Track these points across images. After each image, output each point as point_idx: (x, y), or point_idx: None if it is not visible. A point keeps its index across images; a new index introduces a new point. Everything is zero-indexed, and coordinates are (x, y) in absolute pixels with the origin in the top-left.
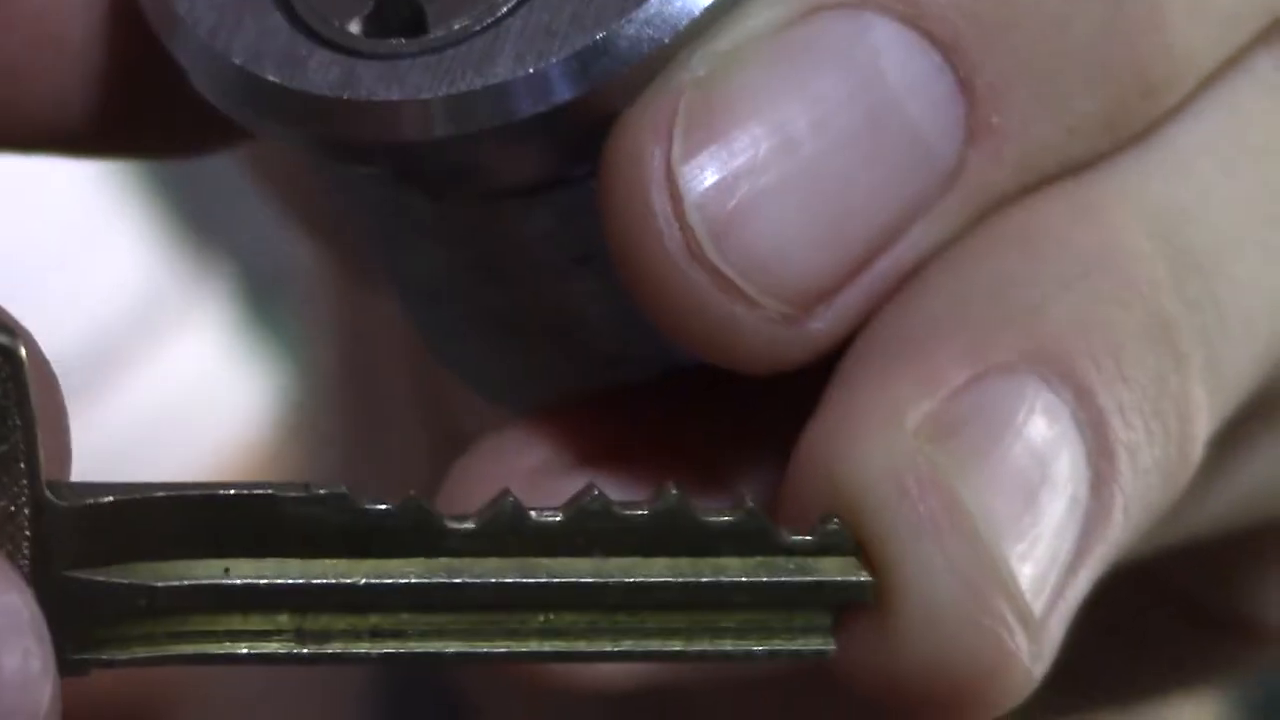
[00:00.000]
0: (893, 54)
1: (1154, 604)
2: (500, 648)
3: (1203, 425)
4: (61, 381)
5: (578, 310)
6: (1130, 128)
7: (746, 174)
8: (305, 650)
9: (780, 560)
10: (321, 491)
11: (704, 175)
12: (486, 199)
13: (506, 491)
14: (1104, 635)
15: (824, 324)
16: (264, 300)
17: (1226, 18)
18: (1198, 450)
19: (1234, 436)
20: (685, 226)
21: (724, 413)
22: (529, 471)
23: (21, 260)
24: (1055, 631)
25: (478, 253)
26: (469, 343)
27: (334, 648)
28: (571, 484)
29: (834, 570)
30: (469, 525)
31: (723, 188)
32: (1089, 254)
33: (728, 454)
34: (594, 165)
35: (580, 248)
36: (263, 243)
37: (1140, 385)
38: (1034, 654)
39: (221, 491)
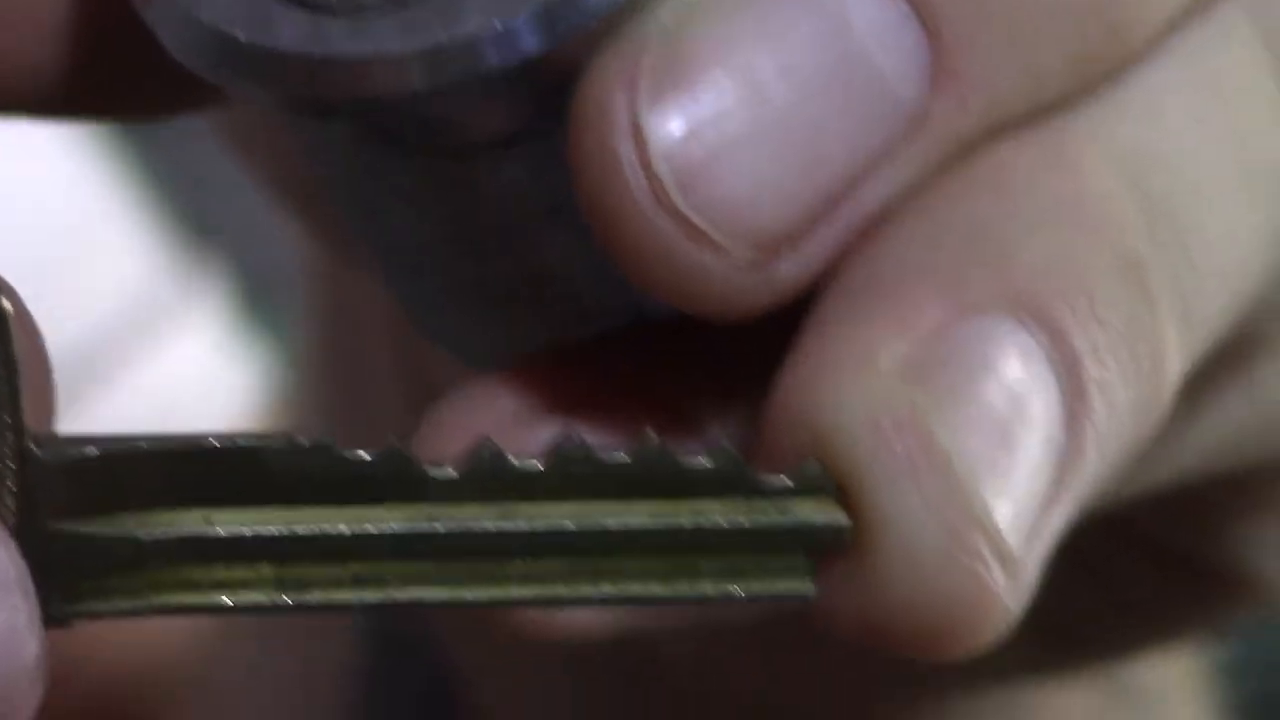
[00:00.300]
0: (859, 2)
1: (1130, 554)
2: (481, 594)
3: (1174, 366)
4: (57, 381)
5: (551, 264)
6: (1098, 72)
7: (713, 122)
8: (287, 599)
9: (759, 503)
10: (303, 441)
11: (670, 124)
12: (457, 154)
13: (487, 439)
14: (1082, 587)
15: (791, 269)
16: (261, 298)
17: None
18: (1170, 390)
19: (1203, 384)
20: (652, 175)
21: (697, 361)
22: (500, 421)
23: (16, 259)
24: (1032, 568)
25: (450, 210)
26: (446, 305)
27: (315, 596)
28: (543, 433)
29: (812, 512)
30: (450, 472)
31: (689, 136)
32: (1059, 197)
33: (701, 401)
34: (563, 117)
35: (552, 200)
36: (260, 239)
37: (1113, 325)
38: (1012, 590)
39: (204, 443)
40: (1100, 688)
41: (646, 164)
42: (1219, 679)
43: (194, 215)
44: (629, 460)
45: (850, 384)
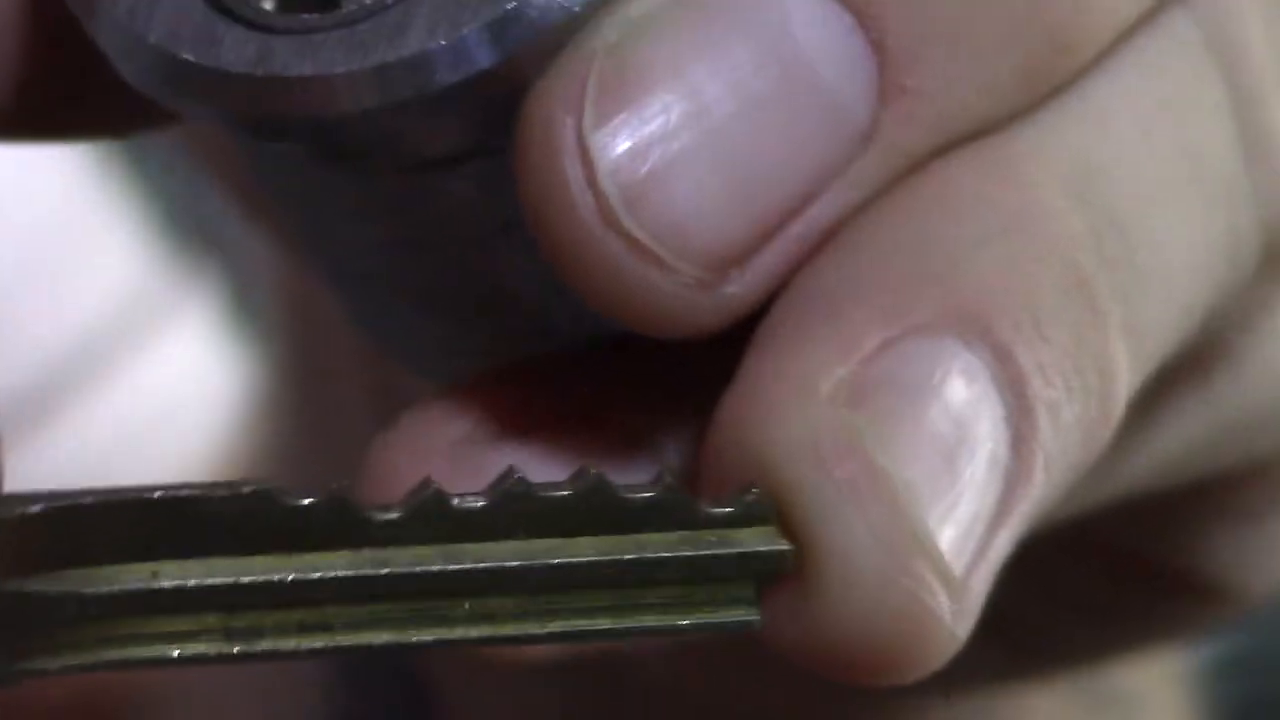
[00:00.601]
0: (803, 16)
1: (1082, 562)
2: (428, 635)
3: (1123, 382)
4: (48, 385)
5: (502, 281)
6: (1046, 84)
7: (659, 140)
8: (235, 649)
9: (702, 533)
10: (244, 489)
11: (616, 142)
12: (406, 171)
13: (428, 480)
14: (1035, 596)
15: (740, 288)
16: (251, 301)
17: None
18: (1119, 407)
19: (1160, 393)
20: (599, 193)
21: (650, 380)
22: (452, 445)
23: (5, 263)
24: (978, 591)
25: (401, 226)
26: (398, 320)
27: (263, 645)
28: (496, 457)
29: (755, 540)
30: (392, 515)
31: (635, 154)
32: (1006, 212)
33: (654, 421)
34: (511, 134)
35: (504, 217)
36: (250, 244)
37: (1059, 343)
38: (957, 614)
39: (147, 495)
40: (1077, 694)
41: (593, 182)
42: (1203, 681)
43: (184, 219)
44: (570, 495)
45: (790, 409)
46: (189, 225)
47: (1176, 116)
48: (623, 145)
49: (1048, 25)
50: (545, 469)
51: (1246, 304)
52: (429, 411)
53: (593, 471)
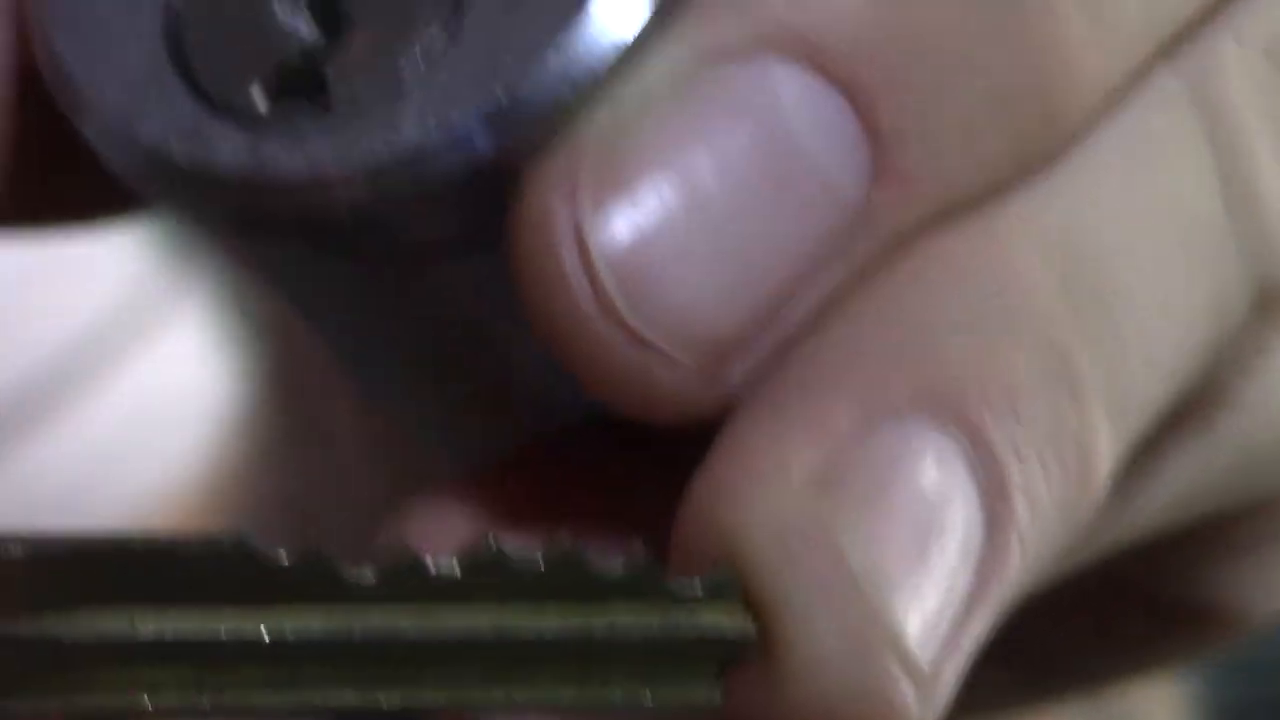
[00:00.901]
0: (794, 99)
1: (1106, 594)
2: (395, 698)
3: (1105, 457)
4: (39, 390)
5: (503, 363)
6: (1036, 155)
7: (655, 228)
8: (204, 701)
9: (670, 610)
10: (220, 542)
11: (612, 231)
12: (402, 262)
13: (403, 543)
14: (1059, 622)
15: (740, 372)
16: (244, 306)
17: (1128, 35)
18: (1100, 483)
19: (1163, 438)
20: (598, 286)
21: (652, 459)
22: (462, 535)
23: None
24: (946, 679)
25: (398, 314)
26: (399, 397)
27: (231, 697)
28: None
29: (721, 621)
30: (367, 575)
31: (632, 243)
32: (985, 289)
33: (657, 499)
34: (506, 222)
35: (500, 303)
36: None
37: (1035, 422)
38: (922, 703)
39: (127, 544)
40: (1082, 713)
41: (591, 273)
42: (1203, 682)
43: (178, 224)
44: (541, 565)
45: (759, 495)
46: (182, 230)
47: (1161, 179)
48: (619, 234)
49: (1039, 98)
50: None
51: (1242, 349)
52: (435, 503)
53: (566, 542)
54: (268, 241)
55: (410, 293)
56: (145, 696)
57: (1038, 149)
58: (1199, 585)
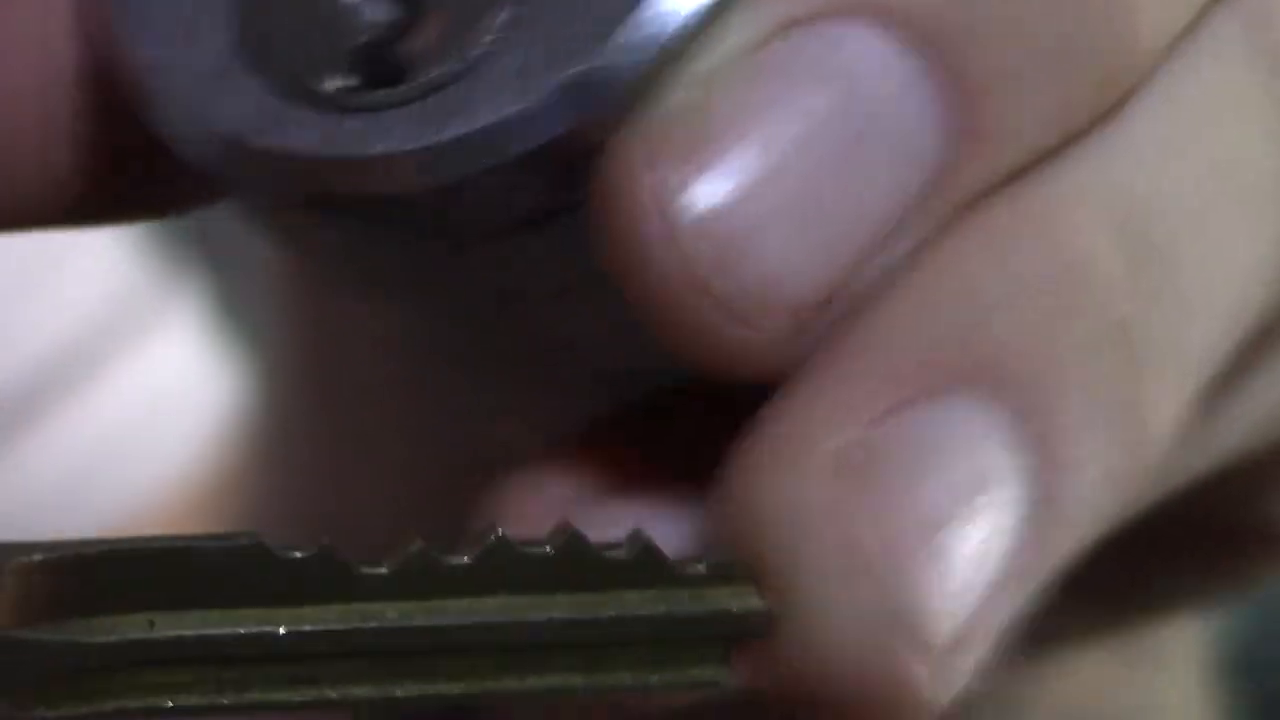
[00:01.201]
0: (871, 62)
1: (1171, 522)
2: (412, 690)
3: (1164, 421)
4: (32, 390)
5: (575, 334)
6: (1104, 105)
7: (738, 195)
8: (226, 700)
9: (677, 592)
10: (237, 542)
11: (697, 199)
12: (477, 237)
13: (414, 537)
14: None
15: (824, 328)
16: (240, 303)
17: None
18: (1157, 450)
19: (1231, 373)
20: (685, 257)
21: (735, 423)
22: (563, 506)
23: None
24: (973, 656)
25: (472, 290)
26: (469, 375)
27: (253, 696)
28: (605, 515)
29: (730, 600)
30: (379, 570)
31: (717, 211)
32: (1040, 258)
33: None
34: (582, 194)
35: (573, 274)
36: (239, 245)
37: (1086, 396)
38: (938, 682)
39: (145, 547)
40: (1113, 650)
41: (678, 242)
42: (1224, 676)
43: (173, 219)
44: (548, 552)
45: (784, 473)
46: (177, 225)
47: (1217, 129)
48: (704, 202)
49: (1105, 44)
50: (658, 518)
51: None
52: (532, 474)
53: (570, 529)
54: (346, 224)
55: (482, 268)
56: (167, 699)
57: (1106, 99)
58: (1265, 513)
